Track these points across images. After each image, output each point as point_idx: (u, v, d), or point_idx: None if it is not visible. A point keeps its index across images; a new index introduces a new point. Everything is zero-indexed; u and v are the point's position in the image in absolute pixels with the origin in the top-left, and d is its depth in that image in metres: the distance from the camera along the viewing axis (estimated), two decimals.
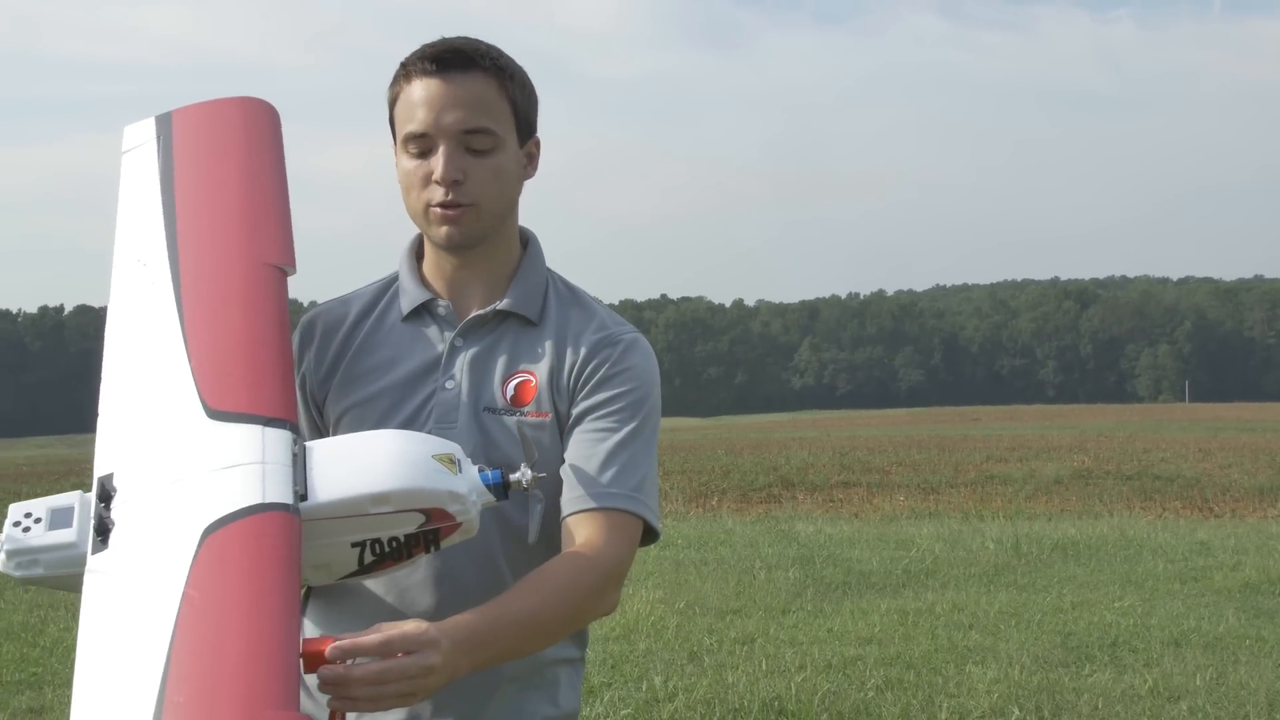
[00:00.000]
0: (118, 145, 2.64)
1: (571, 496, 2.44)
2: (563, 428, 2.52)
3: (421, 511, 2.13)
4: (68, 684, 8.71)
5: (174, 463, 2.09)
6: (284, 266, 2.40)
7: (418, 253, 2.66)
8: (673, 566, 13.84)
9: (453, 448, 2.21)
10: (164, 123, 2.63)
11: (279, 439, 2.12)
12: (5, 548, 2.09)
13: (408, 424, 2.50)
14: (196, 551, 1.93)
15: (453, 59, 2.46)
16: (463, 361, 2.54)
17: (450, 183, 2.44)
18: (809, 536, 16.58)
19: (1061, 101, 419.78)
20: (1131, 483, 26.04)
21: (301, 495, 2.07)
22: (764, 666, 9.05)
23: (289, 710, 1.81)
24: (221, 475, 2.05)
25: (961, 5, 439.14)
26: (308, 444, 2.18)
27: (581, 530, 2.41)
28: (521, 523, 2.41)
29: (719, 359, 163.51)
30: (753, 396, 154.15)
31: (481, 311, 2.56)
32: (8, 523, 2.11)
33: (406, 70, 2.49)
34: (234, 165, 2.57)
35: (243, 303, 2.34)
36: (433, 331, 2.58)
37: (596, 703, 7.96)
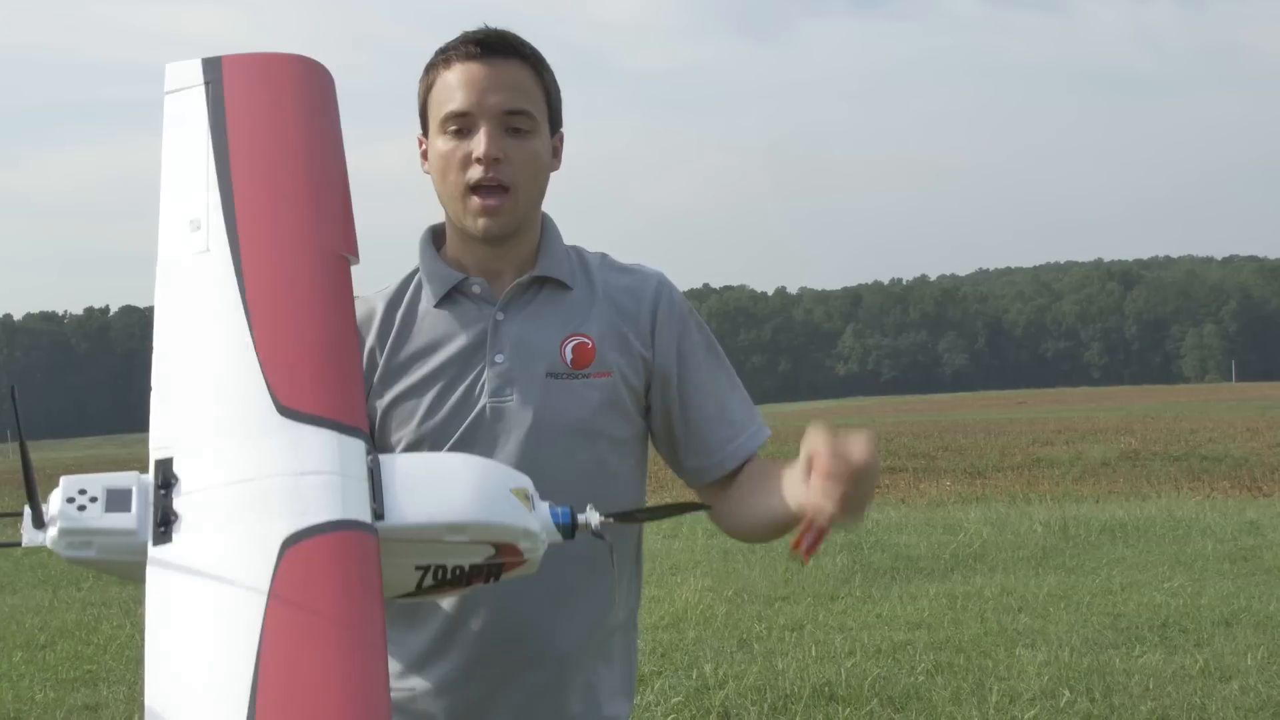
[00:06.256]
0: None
1: (738, 445, 2.68)
2: (635, 380, 2.57)
3: (493, 545, 2.07)
4: (123, 681, 8.84)
5: (242, 459, 1.98)
6: (350, 257, 2.30)
7: (435, 242, 2.65)
8: (720, 555, 13.86)
9: (526, 482, 2.14)
10: (213, 68, 2.45)
11: (355, 449, 2.03)
12: (59, 525, 1.94)
13: (463, 402, 2.50)
14: (277, 562, 1.85)
15: (496, 44, 2.48)
16: (510, 335, 2.53)
17: (491, 160, 2.45)
18: None
19: (1102, 82, 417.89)
20: (1179, 463, 25.90)
21: (377, 514, 2.00)
22: (814, 653, 9.07)
23: None
24: (298, 481, 1.96)
25: None
26: (380, 458, 2.09)
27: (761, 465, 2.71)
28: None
29: (762, 347, 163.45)
30: (797, 384, 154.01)
31: (520, 280, 2.56)
32: (60, 496, 1.96)
33: (446, 56, 2.50)
34: (294, 133, 2.42)
35: (312, 294, 2.21)
36: (471, 310, 2.57)
37: (647, 691, 7.97)
